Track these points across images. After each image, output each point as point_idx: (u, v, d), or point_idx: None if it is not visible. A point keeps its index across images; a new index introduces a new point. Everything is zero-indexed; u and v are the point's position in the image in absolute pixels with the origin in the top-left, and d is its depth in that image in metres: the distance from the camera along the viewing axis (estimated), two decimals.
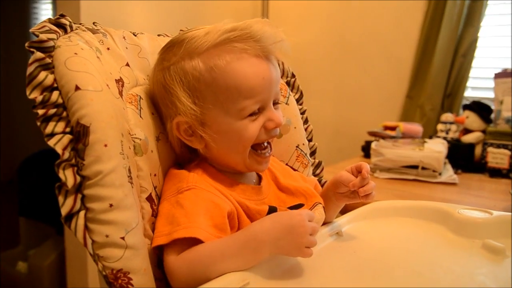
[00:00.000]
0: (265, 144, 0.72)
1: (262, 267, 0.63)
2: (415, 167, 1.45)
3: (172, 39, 0.72)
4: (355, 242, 0.77)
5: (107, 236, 0.56)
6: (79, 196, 0.56)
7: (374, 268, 0.68)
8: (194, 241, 0.59)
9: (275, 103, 0.72)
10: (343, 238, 0.77)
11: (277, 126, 0.70)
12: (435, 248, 0.77)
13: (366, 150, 1.67)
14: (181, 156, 0.75)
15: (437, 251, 0.75)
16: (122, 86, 0.69)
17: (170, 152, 0.75)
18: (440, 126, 1.78)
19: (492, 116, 1.77)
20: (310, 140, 0.95)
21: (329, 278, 0.64)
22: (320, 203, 0.75)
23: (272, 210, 0.70)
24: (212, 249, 0.59)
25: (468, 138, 1.71)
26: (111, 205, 0.56)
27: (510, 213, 0.84)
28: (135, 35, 0.80)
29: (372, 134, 1.76)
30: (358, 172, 0.74)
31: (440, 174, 1.44)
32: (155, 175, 0.70)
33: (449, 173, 1.47)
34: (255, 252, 0.59)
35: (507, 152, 1.57)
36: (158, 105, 0.73)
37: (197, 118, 0.68)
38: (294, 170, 0.90)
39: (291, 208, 0.73)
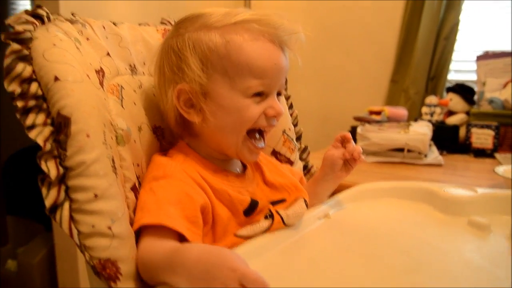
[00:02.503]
0: (259, 136, 0.72)
1: (250, 249, 0.64)
2: (401, 150, 1.46)
3: (189, 14, 0.72)
4: (343, 224, 0.77)
5: (93, 226, 0.56)
6: (63, 187, 0.56)
7: (363, 249, 0.68)
8: (163, 230, 0.58)
9: (278, 94, 0.72)
10: (331, 220, 0.78)
11: (277, 115, 0.70)
12: (422, 227, 0.78)
13: (353, 135, 1.67)
14: (173, 132, 0.75)
15: (424, 230, 0.76)
16: (103, 76, 0.68)
17: (153, 142, 0.75)
18: (424, 109, 1.79)
19: (475, 97, 1.79)
20: (295, 125, 0.95)
21: (318, 260, 0.65)
22: (303, 197, 0.75)
23: (253, 204, 0.70)
24: (158, 259, 0.56)
25: (452, 120, 1.72)
26: (95, 195, 0.56)
27: (494, 190, 0.85)
28: (115, 25, 0.79)
29: (358, 119, 1.77)
30: (341, 142, 0.80)
31: (425, 156, 1.46)
32: (138, 165, 0.69)
33: (434, 154, 1.49)
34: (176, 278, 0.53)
35: (491, 132, 1.59)
36: (160, 74, 0.72)
37: (202, 87, 0.67)
38: (282, 158, 0.91)
39: (274, 203, 0.73)
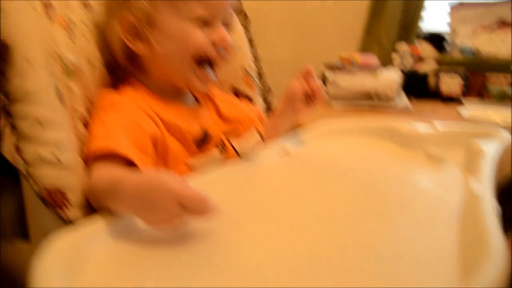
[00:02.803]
0: (209, 67, 0.71)
1: (203, 179, 0.63)
2: (370, 96, 1.46)
3: None
4: (302, 159, 0.78)
5: (38, 154, 0.54)
6: (4, 114, 0.54)
7: (324, 183, 0.69)
8: (112, 157, 0.58)
9: (225, 24, 0.71)
10: (291, 157, 0.78)
11: (224, 43, 0.69)
12: (381, 161, 0.78)
13: (323, 83, 1.67)
14: (120, 67, 0.73)
15: (382, 163, 0.77)
16: (51, 8, 0.65)
17: (105, 77, 0.73)
18: (395, 57, 1.79)
19: (446, 46, 1.78)
20: (256, 64, 0.93)
21: (273, 192, 0.65)
22: (255, 127, 0.75)
23: (205, 136, 0.70)
24: (103, 186, 0.55)
25: (422, 68, 1.72)
26: (40, 123, 0.54)
27: (451, 125, 0.86)
28: None
29: (329, 67, 1.76)
30: (305, 77, 0.78)
31: (394, 101, 1.46)
32: (90, 101, 0.68)
33: (403, 101, 1.49)
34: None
35: (459, 79, 1.60)
36: (105, 5, 0.71)
37: (146, 16, 0.66)
38: (241, 95, 0.90)
39: (227, 135, 0.73)
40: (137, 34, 0.67)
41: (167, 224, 0.48)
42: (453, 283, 0.39)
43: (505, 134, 0.78)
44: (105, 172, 0.56)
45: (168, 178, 0.47)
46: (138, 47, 0.68)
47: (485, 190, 0.54)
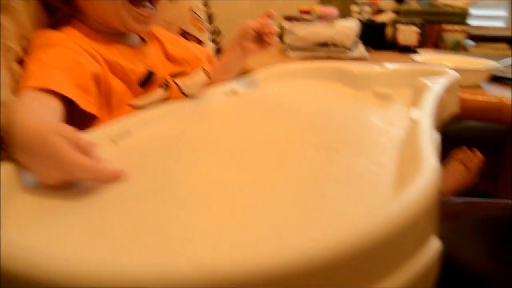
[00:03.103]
0: (147, 3, 0.67)
1: (147, 117, 0.62)
2: (326, 45, 1.45)
3: None
4: (251, 100, 0.77)
5: None
6: None
7: (271, 119, 0.68)
8: (49, 96, 0.54)
9: None
10: (239, 96, 0.77)
11: None
12: (330, 100, 0.79)
13: (281, 35, 1.64)
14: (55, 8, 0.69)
15: (331, 102, 0.78)
16: None
17: (44, 17, 0.69)
18: (354, 8, 1.77)
19: None
20: (205, 5, 0.91)
21: (223, 130, 0.64)
22: (201, 66, 0.73)
23: (149, 75, 0.67)
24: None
25: (380, 18, 1.72)
26: None
27: (400, 65, 0.87)
28: None
29: (288, 18, 1.73)
30: (264, 17, 0.76)
31: (351, 50, 1.46)
32: (24, 38, 0.64)
33: (360, 50, 1.49)
34: None
35: (416, 29, 1.61)
36: None
37: None
38: (190, 38, 0.87)
39: (174, 75, 0.71)
40: None
41: (56, 183, 0.42)
42: (387, 197, 0.40)
43: (452, 72, 0.79)
44: (25, 101, 0.52)
45: (55, 138, 0.41)
46: None
47: (424, 117, 0.54)
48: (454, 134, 1.55)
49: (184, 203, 0.42)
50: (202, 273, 0.25)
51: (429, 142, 0.48)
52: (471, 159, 0.97)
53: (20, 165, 0.45)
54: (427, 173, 0.38)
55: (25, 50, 0.63)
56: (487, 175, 1.22)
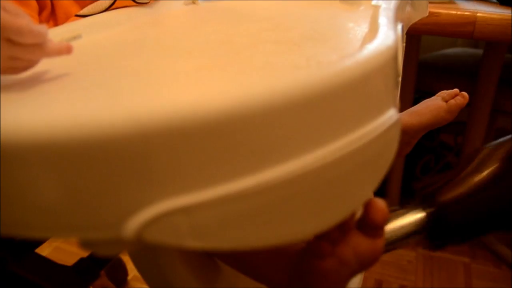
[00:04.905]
0: None
1: (93, 22, 0.58)
2: None
3: None
4: (210, 7, 0.73)
5: None
6: None
7: (230, 22, 0.64)
8: None
9: None
10: (197, 5, 0.73)
11: None
12: (295, 5, 0.75)
13: None
14: None
15: (297, 7, 0.74)
16: None
17: None
18: None
19: None
20: None
21: (180, 32, 0.61)
22: None
23: None
24: None
25: None
26: None
27: None
28: None
29: None
30: None
31: None
32: None
33: None
34: None
35: None
36: None
37: None
38: None
39: None
40: None
41: (4, 67, 0.38)
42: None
43: None
44: None
45: None
46: None
47: (385, 3, 0.52)
48: (430, 62, 1.54)
49: (131, 81, 0.39)
50: (129, 117, 0.22)
51: (387, 19, 0.45)
52: (454, 98, 0.95)
53: None
54: (382, 37, 0.36)
55: None
56: None
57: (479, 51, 1.58)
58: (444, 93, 0.96)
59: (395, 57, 0.36)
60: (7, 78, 0.40)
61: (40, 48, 0.39)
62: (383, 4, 0.53)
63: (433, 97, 1.07)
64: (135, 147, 0.22)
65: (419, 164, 1.59)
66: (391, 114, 0.34)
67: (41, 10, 0.57)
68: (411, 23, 0.75)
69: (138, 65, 0.44)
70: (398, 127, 0.35)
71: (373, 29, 0.41)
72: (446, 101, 0.94)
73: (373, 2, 0.53)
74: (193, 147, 0.23)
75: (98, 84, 0.37)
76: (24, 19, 0.37)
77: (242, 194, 0.24)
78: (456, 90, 1.06)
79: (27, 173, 0.23)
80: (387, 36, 0.35)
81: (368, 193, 0.34)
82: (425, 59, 1.56)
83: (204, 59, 0.45)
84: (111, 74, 0.40)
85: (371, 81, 0.30)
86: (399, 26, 0.52)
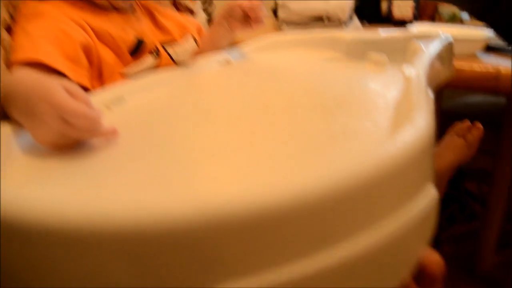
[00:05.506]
0: None
1: (137, 85, 0.61)
2: (321, 19, 1.44)
3: None
4: (245, 68, 0.76)
5: None
6: None
7: (265, 85, 0.67)
8: (39, 69, 0.52)
9: None
10: (232, 66, 0.76)
11: None
12: (324, 66, 0.78)
13: (275, 10, 1.63)
14: None
15: (325, 68, 0.77)
16: None
17: None
18: None
19: None
20: None
21: (217, 96, 0.64)
22: (190, 34, 0.72)
23: (139, 43, 0.66)
24: (8, 86, 0.49)
25: None
26: None
27: (394, 31, 0.86)
28: None
29: None
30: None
31: (346, 24, 1.45)
32: (12, 6, 0.63)
33: (355, 24, 1.48)
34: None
35: (411, 3, 1.60)
36: None
37: None
38: (182, 8, 0.86)
39: (163, 44, 0.70)
40: None
41: (53, 142, 0.43)
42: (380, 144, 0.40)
43: (446, 35, 0.79)
44: (19, 76, 0.51)
45: (56, 87, 0.42)
46: None
47: (418, 74, 0.54)
48: (452, 110, 1.55)
49: (181, 159, 0.42)
50: (198, 208, 0.24)
51: (422, 97, 0.47)
52: (470, 132, 0.95)
53: (17, 126, 0.45)
54: (419, 120, 0.38)
55: (13, 18, 0.63)
56: (485, 151, 1.22)
57: (501, 99, 1.59)
58: (457, 128, 0.96)
59: (434, 136, 0.38)
60: (56, 156, 0.42)
61: (90, 132, 0.42)
62: (413, 72, 0.55)
63: (447, 135, 1.08)
64: (201, 235, 0.24)
65: (445, 214, 1.57)
66: (430, 189, 0.36)
67: (90, 65, 0.62)
68: (439, 79, 0.76)
69: (185, 139, 0.47)
70: (436, 198, 0.37)
71: (409, 107, 0.43)
72: (462, 136, 0.95)
73: (405, 72, 0.55)
74: (254, 234, 0.25)
75: (150, 165, 0.40)
76: (81, 104, 0.41)
77: (301, 278, 0.26)
78: (467, 122, 1.07)
79: (97, 259, 0.25)
80: (426, 122, 0.37)
81: (419, 254, 0.36)
82: (447, 108, 1.57)
83: (245, 129, 0.48)
84: (159, 152, 0.43)
85: (413, 166, 0.32)
86: (430, 93, 0.54)
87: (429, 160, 0.37)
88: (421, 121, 0.37)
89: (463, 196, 1.61)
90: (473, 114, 1.54)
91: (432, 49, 0.68)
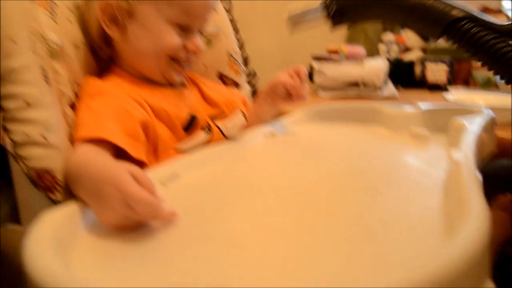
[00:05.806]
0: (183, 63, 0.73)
1: (190, 161, 0.64)
2: (357, 84, 1.47)
3: None
4: (290, 141, 0.79)
5: (26, 135, 0.55)
6: None
7: (311, 161, 0.70)
8: (102, 145, 0.57)
9: (200, 32, 0.73)
10: (277, 138, 0.79)
11: (197, 51, 0.72)
12: (367, 141, 0.80)
13: (310, 73, 1.68)
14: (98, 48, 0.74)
15: (369, 143, 0.79)
16: None
17: (92, 62, 0.74)
18: (381, 47, 1.80)
19: None
20: (241, 49, 0.95)
21: (265, 173, 0.66)
22: (239, 109, 0.76)
23: (192, 119, 0.70)
24: (75, 165, 0.54)
25: (408, 56, 1.74)
26: (27, 103, 0.55)
27: (435, 105, 0.88)
28: None
29: (317, 58, 1.77)
30: (296, 75, 0.79)
31: (381, 90, 1.47)
32: (76, 83, 0.68)
33: (390, 89, 1.51)
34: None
35: (445, 67, 1.62)
36: None
37: (129, 6, 0.68)
38: (228, 81, 0.91)
39: (212, 118, 0.74)
40: (115, 20, 0.69)
41: (116, 223, 0.45)
42: (437, 244, 0.41)
43: (487, 111, 0.80)
44: (84, 154, 0.55)
45: (124, 174, 0.45)
46: (113, 32, 0.69)
47: (466, 158, 0.55)
48: (488, 173, 1.53)
49: (237, 246, 0.44)
50: None
51: (473, 184, 0.48)
52: None
53: (81, 205, 0.48)
54: (477, 217, 0.39)
55: (77, 95, 0.67)
56: None
57: None
58: (500, 202, 0.94)
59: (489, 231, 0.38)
60: (118, 236, 0.45)
61: (151, 216, 0.45)
62: (461, 155, 0.56)
63: (492, 210, 1.05)
64: None
65: None
66: (488, 284, 0.37)
67: (147, 140, 0.65)
68: (483, 155, 0.76)
69: (237, 218, 0.49)
70: None
71: (460, 195, 0.44)
72: (506, 210, 0.92)
73: (454, 156, 0.56)
74: None
75: (209, 247, 0.42)
76: (145, 191, 0.44)
77: None
78: (509, 196, 1.04)
79: None
80: (481, 216, 0.38)
81: None
82: (483, 170, 1.55)
83: (296, 213, 0.50)
84: (215, 234, 0.45)
85: (474, 267, 0.33)
86: (479, 174, 0.55)
87: (488, 255, 0.37)
88: (478, 214, 0.38)
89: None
90: (500, 176, 1.51)
91: (476, 127, 0.69)
